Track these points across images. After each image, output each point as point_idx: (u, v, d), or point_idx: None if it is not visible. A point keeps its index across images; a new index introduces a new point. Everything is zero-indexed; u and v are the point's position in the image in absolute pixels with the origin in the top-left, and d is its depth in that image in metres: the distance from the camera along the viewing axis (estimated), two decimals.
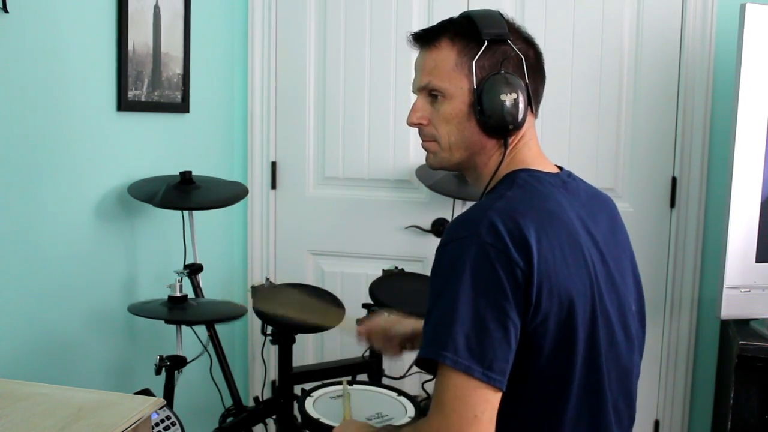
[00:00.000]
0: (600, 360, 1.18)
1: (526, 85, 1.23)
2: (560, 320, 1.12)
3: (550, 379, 1.15)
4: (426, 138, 1.30)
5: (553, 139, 2.59)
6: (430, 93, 1.27)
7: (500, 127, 1.22)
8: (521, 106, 1.22)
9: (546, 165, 1.29)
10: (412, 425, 1.18)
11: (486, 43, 1.22)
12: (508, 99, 1.20)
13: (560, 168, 1.32)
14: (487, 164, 1.27)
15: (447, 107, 1.25)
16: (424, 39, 1.28)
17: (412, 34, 1.29)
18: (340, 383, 2.19)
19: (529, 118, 1.27)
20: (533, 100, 1.26)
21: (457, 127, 1.25)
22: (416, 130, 1.32)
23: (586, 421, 1.18)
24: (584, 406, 1.18)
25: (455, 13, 1.31)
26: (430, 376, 1.57)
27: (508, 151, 1.25)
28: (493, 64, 1.22)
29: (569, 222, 1.18)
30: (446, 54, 1.24)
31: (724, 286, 2.10)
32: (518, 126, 1.23)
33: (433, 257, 1.18)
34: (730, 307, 2.11)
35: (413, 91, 1.31)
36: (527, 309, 1.10)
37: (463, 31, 1.24)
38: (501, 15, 1.26)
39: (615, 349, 1.22)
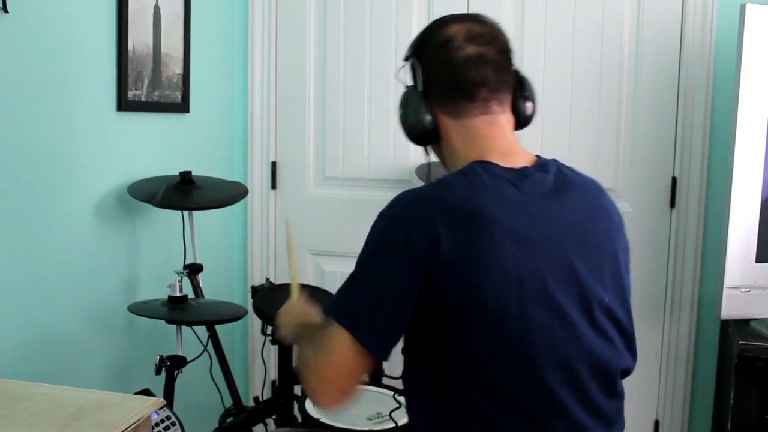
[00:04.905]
0: (534, 353, 1.16)
1: (423, 92, 1.31)
2: (472, 314, 1.14)
3: (475, 373, 1.17)
4: None
5: (553, 139, 2.59)
6: None
7: (408, 137, 1.36)
8: (417, 114, 1.32)
9: (511, 159, 1.27)
10: (318, 333, 1.24)
11: (404, 63, 1.35)
12: (403, 112, 1.35)
13: (538, 158, 1.30)
14: (444, 164, 1.38)
15: None
16: None
17: None
18: None
19: (473, 116, 1.29)
20: (445, 98, 1.30)
21: None
22: None
23: (530, 413, 1.19)
24: (524, 401, 1.18)
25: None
26: None
27: (429, 155, 1.38)
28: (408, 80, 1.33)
29: (500, 216, 1.16)
30: None
31: (724, 286, 2.10)
32: (419, 133, 1.34)
33: None
34: (730, 307, 2.11)
35: None
36: (430, 297, 1.14)
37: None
38: (429, 25, 1.35)
39: (578, 343, 1.19)
